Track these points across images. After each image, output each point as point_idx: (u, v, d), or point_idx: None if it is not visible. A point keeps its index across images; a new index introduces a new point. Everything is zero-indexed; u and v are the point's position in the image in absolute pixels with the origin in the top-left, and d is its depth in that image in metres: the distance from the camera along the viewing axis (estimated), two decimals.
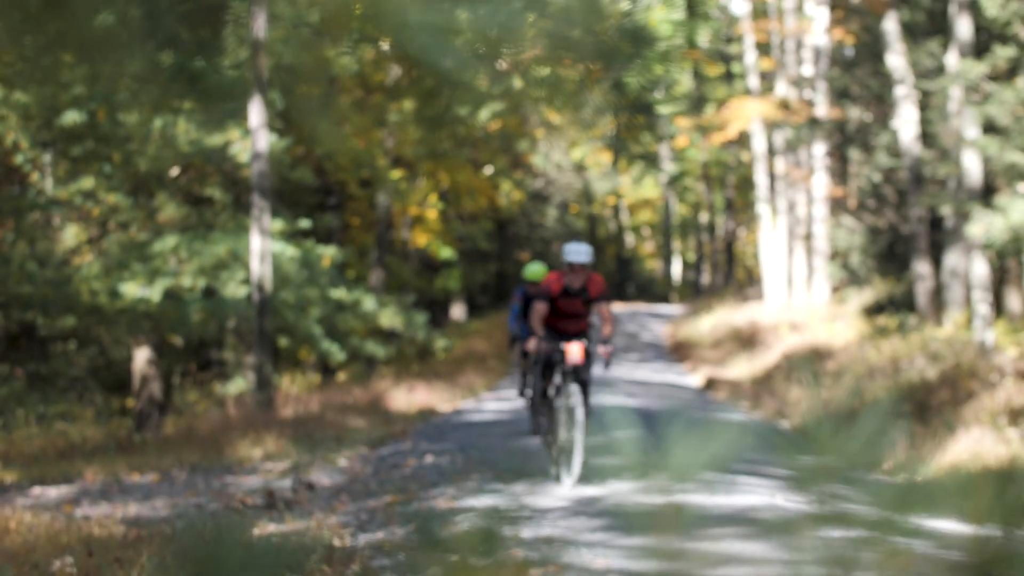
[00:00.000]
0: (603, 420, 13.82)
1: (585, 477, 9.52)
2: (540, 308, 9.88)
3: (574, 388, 9.67)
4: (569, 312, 10.01)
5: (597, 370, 16.97)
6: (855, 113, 27.93)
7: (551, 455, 10.13)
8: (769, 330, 27.69)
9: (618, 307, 38.79)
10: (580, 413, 9.57)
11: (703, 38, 40.82)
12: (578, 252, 9.89)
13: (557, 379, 9.94)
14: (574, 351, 9.66)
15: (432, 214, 30.65)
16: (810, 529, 6.45)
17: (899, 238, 26.06)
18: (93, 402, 19.88)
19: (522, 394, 13.00)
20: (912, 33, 23.61)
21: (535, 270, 12.67)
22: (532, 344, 9.89)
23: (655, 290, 49.76)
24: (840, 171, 31.55)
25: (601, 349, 9.79)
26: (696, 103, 42.04)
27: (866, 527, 6.38)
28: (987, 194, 19.89)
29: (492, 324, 34.80)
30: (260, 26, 15.72)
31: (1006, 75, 18.40)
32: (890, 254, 26.49)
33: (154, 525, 8.11)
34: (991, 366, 14.68)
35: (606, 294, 10.03)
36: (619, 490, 7.08)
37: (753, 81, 34.04)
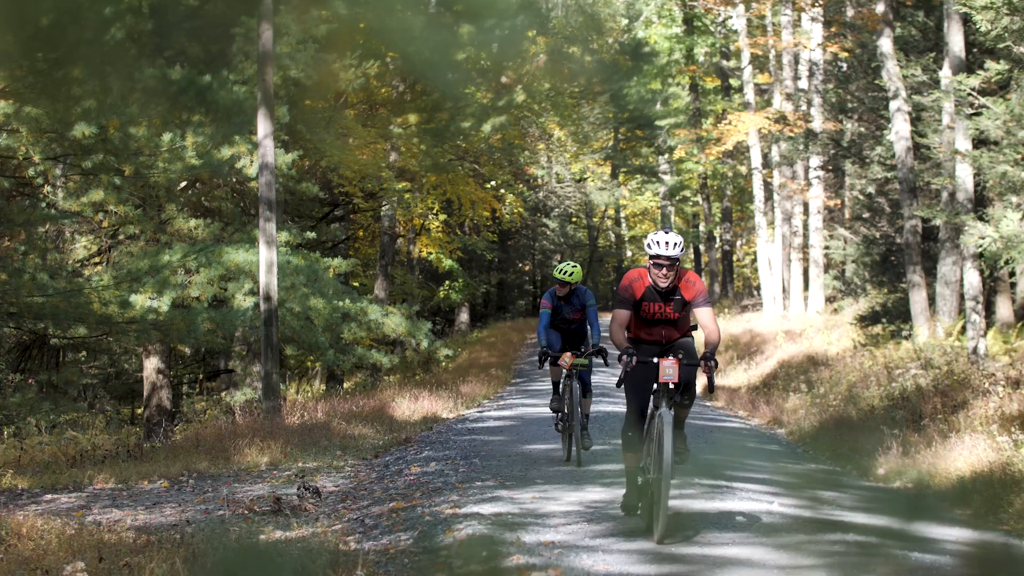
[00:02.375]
0: (603, 428, 14.08)
1: (672, 530, 7.61)
2: (621, 316, 8.06)
3: (667, 416, 7.65)
4: (657, 318, 8.14)
5: (604, 379, 16.97)
6: (850, 126, 28.25)
7: (631, 498, 8.20)
8: (766, 339, 27.99)
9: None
10: (668, 449, 7.50)
11: (701, 53, 41.14)
12: (664, 244, 7.90)
13: (652, 405, 8.08)
14: (668, 367, 7.79)
15: (435, 224, 30.93)
16: (806, 535, 6.89)
17: (893, 249, 26.36)
18: (103, 410, 20.11)
19: (555, 412, 11.86)
20: (906, 48, 23.96)
21: (567, 269, 11.43)
22: (623, 360, 7.84)
23: None
24: (835, 183, 31.89)
25: (703, 367, 7.86)
26: (694, 116, 42.35)
27: (861, 532, 6.79)
28: (979, 205, 20.22)
29: (495, 333, 35.02)
30: (268, 39, 16.02)
31: (998, 89, 18.73)
32: (884, 264, 26.79)
33: (163, 531, 8.15)
34: (984, 374, 14.91)
35: (706, 296, 8.10)
36: (620, 495, 7.62)
37: (750, 95, 34.39)
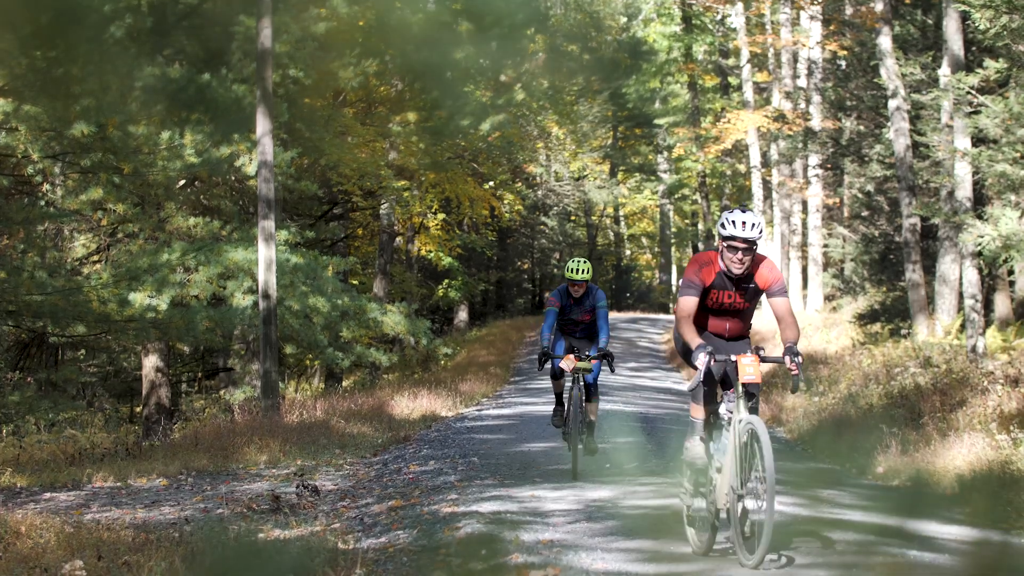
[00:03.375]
0: (603, 426, 14.09)
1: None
2: (688, 305, 7.09)
3: (759, 425, 6.70)
4: (725, 308, 7.26)
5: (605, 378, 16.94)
6: (849, 124, 28.27)
7: (690, 514, 7.34)
8: (764, 337, 27.99)
9: (615, 315, 39.03)
10: (768, 457, 6.55)
11: (700, 51, 41.16)
12: (742, 224, 6.97)
13: (723, 409, 7.15)
14: (749, 366, 6.88)
15: (434, 222, 30.95)
16: (807, 533, 6.89)
17: (892, 247, 26.38)
18: (102, 409, 20.14)
19: (557, 425, 11.20)
20: (905, 46, 23.98)
21: (579, 267, 10.65)
22: (701, 358, 6.85)
23: (653, 299, 50.01)
24: (834, 181, 31.91)
25: (788, 362, 6.91)
26: (693, 114, 42.36)
27: (860, 531, 6.79)
28: (978, 204, 20.24)
29: (494, 332, 35.03)
30: (267, 37, 16.02)
31: (997, 88, 18.75)
32: (883, 263, 26.81)
33: (162, 529, 8.15)
34: (982, 372, 14.92)
35: (783, 286, 7.22)
36: (619, 494, 7.63)
37: (749, 93, 34.40)
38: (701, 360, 6.87)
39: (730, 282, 7.17)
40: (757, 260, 7.17)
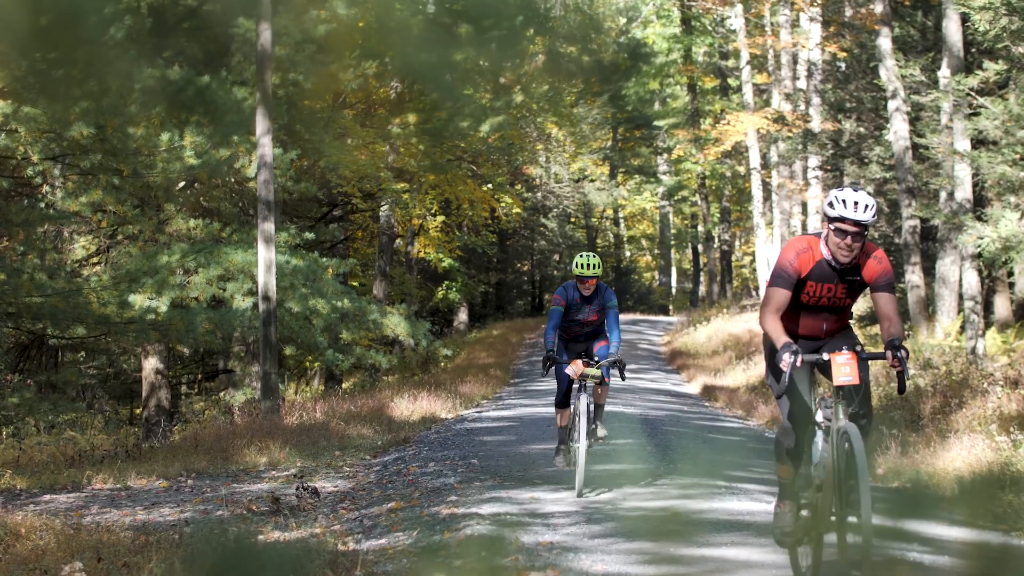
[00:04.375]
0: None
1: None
2: (779, 298, 6.11)
3: (854, 433, 5.82)
4: (823, 304, 6.23)
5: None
6: (848, 126, 28.29)
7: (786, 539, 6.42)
8: None
9: None
10: (865, 481, 5.63)
11: (699, 52, 41.20)
12: (854, 204, 5.98)
13: (820, 415, 6.18)
14: (845, 365, 5.96)
15: (434, 224, 30.97)
16: (806, 534, 6.83)
17: (891, 248, 26.39)
18: (102, 410, 20.16)
19: (561, 465, 10.12)
20: (904, 48, 23.99)
21: (589, 262, 9.77)
22: (786, 359, 5.88)
23: (653, 301, 50.03)
24: (834, 183, 31.91)
25: (891, 359, 5.94)
26: (692, 116, 42.38)
27: (859, 532, 6.74)
28: (978, 205, 20.26)
29: (493, 334, 35.08)
30: (266, 39, 16.04)
31: (996, 89, 18.76)
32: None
33: (162, 531, 8.16)
34: (982, 374, 14.93)
35: (891, 279, 6.21)
36: (619, 496, 7.61)
37: (748, 94, 34.42)
38: (786, 361, 5.89)
39: (833, 273, 6.15)
40: (868, 249, 6.16)
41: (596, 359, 9.85)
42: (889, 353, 5.96)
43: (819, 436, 6.21)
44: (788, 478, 6.40)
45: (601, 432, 9.98)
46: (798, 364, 5.93)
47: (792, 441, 6.30)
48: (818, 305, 6.25)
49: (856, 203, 5.96)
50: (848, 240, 6.01)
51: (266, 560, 6.97)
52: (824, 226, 6.15)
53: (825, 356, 6.03)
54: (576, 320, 9.96)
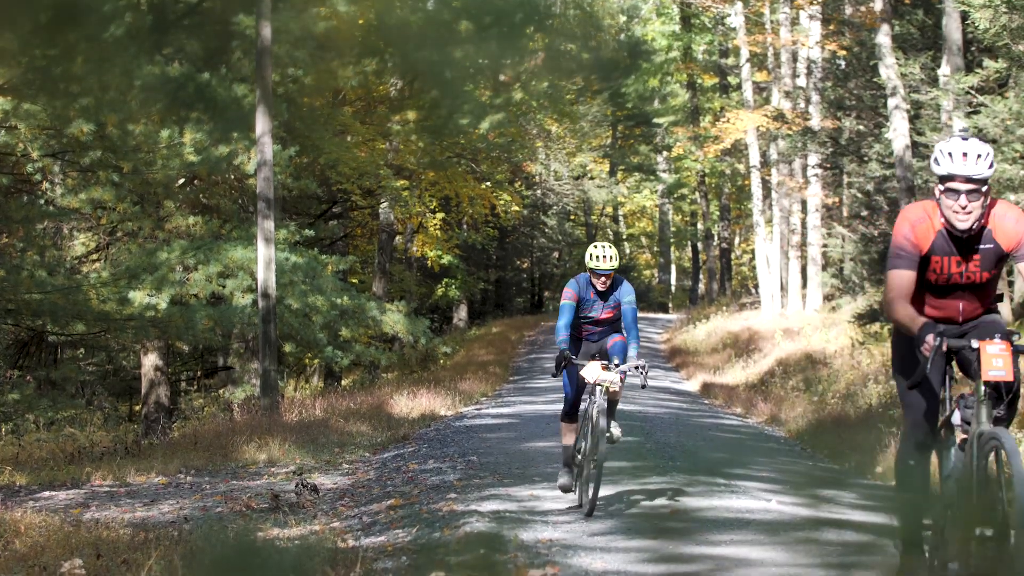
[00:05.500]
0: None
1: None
2: (903, 280, 5.06)
3: (1008, 441, 4.78)
4: (954, 282, 5.13)
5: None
6: (848, 124, 28.29)
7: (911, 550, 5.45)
8: (764, 337, 28.04)
9: None
10: (1020, 487, 4.67)
11: (699, 50, 41.20)
12: (963, 156, 4.93)
13: (957, 417, 5.06)
14: (997, 357, 4.81)
15: (433, 221, 30.99)
16: (805, 532, 6.85)
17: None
18: (101, 407, 20.19)
19: (567, 489, 8.81)
20: (904, 46, 23.99)
21: (604, 254, 8.34)
22: (929, 340, 4.83)
23: (652, 298, 50.06)
24: (833, 181, 31.93)
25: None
26: (692, 114, 42.39)
27: (860, 530, 6.73)
28: None
29: (493, 331, 35.11)
30: (266, 36, 16.04)
31: (996, 87, 18.78)
32: (882, 262, 26.81)
33: (161, 528, 8.12)
34: None
35: None
36: (619, 493, 7.60)
37: (748, 92, 34.43)
38: (928, 343, 4.80)
39: (956, 244, 5.05)
40: (996, 210, 5.02)
41: (615, 361, 8.50)
42: (999, 344, 4.87)
43: (954, 443, 5.16)
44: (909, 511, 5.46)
45: (616, 432, 8.58)
46: (943, 348, 4.85)
47: (917, 456, 5.37)
48: (949, 284, 5.14)
49: (965, 153, 4.90)
50: (961, 200, 4.94)
51: (265, 557, 6.97)
52: (937, 190, 5.09)
53: (975, 343, 4.89)
54: (588, 317, 8.72)
